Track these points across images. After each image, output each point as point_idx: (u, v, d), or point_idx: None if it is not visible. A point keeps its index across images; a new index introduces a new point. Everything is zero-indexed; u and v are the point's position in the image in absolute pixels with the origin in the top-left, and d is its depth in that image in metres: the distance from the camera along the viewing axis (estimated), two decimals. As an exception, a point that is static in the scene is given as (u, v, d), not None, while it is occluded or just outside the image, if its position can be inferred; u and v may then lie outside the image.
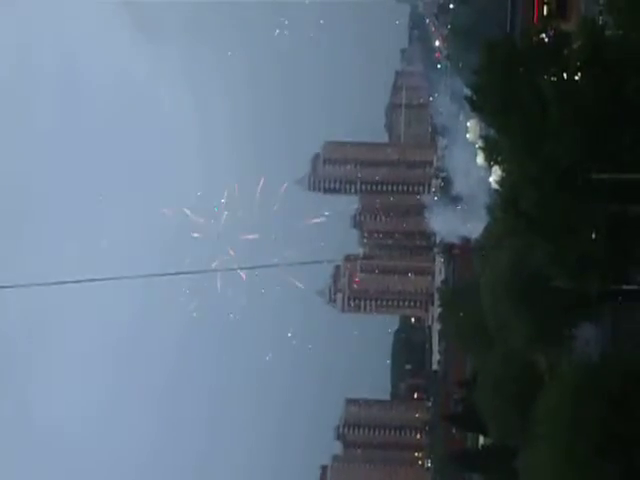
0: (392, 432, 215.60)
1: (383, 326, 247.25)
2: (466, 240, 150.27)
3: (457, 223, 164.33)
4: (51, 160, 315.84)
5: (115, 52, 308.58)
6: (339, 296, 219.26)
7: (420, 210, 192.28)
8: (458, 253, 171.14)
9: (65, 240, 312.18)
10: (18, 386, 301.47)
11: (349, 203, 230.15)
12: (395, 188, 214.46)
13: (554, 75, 50.25)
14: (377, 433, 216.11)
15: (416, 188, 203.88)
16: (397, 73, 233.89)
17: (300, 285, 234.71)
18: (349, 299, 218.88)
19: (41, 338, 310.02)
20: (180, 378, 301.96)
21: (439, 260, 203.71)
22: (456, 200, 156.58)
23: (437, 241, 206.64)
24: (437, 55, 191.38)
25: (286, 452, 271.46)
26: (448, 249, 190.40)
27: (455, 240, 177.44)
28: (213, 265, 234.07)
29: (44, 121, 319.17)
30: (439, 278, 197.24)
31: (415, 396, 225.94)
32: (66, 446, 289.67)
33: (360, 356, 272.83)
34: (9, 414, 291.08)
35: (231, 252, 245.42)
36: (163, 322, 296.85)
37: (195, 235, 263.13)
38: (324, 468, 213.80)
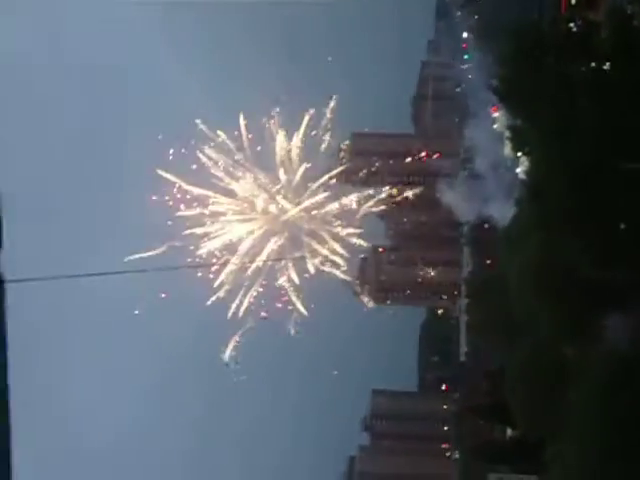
0: (419, 423, 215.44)
1: (410, 318, 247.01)
2: (492, 229, 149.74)
3: (483, 213, 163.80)
4: (82, 157, 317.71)
5: (147, 51, 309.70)
6: (366, 288, 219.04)
7: (447, 201, 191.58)
8: (484, 242, 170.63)
9: (96, 228, 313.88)
10: (51, 377, 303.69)
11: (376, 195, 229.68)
12: (422, 180, 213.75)
13: (582, 64, 49.94)
14: (404, 424, 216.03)
15: (443, 179, 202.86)
16: (423, 64, 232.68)
17: (326, 276, 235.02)
18: (376, 291, 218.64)
19: (76, 330, 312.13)
20: (205, 370, 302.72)
21: (466, 251, 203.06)
22: (483, 191, 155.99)
23: (464, 232, 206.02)
24: (464, 46, 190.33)
25: (313, 443, 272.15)
26: (475, 240, 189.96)
27: (481, 229, 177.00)
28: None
29: (72, 117, 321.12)
30: (466, 269, 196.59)
31: (442, 388, 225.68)
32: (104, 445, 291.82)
33: (387, 347, 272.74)
34: (42, 403, 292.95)
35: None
36: (194, 311, 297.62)
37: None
38: (352, 459, 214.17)
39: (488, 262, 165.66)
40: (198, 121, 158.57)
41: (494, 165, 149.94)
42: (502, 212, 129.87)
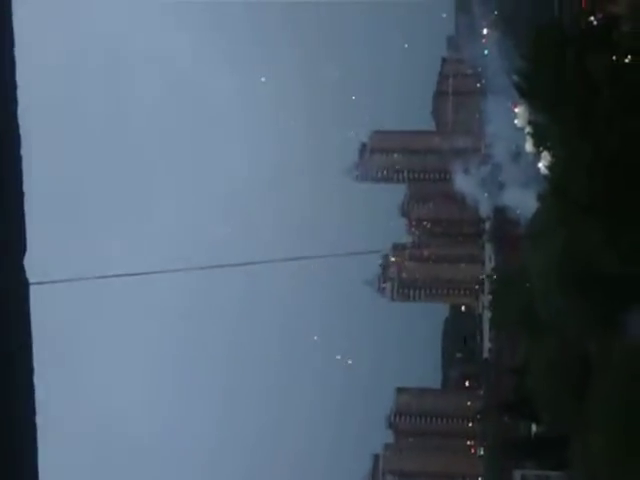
0: (444, 420, 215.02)
1: (433, 315, 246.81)
2: (515, 227, 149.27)
3: (506, 209, 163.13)
4: (100, 152, 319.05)
5: (160, 41, 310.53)
6: (388, 285, 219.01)
7: (468, 197, 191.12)
8: (506, 238, 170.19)
9: (114, 230, 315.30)
10: (76, 378, 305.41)
11: (397, 192, 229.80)
12: (443, 176, 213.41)
13: (604, 59, 49.61)
14: (428, 421, 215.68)
15: (464, 175, 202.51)
16: (443, 60, 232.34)
17: (348, 275, 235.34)
18: (398, 288, 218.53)
19: (99, 329, 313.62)
20: (227, 370, 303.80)
21: (488, 247, 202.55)
22: (504, 186, 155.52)
23: (486, 228, 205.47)
24: (484, 42, 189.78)
25: (338, 441, 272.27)
26: (498, 236, 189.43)
27: (504, 227, 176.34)
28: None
29: (94, 111, 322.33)
30: (489, 266, 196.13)
31: (466, 384, 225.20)
32: (130, 436, 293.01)
33: (410, 345, 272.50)
34: (67, 401, 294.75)
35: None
36: (216, 309, 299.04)
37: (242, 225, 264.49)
38: (376, 457, 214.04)
39: (510, 258, 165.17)
40: None
41: (516, 160, 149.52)
42: (524, 207, 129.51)
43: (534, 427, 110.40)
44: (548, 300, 70.60)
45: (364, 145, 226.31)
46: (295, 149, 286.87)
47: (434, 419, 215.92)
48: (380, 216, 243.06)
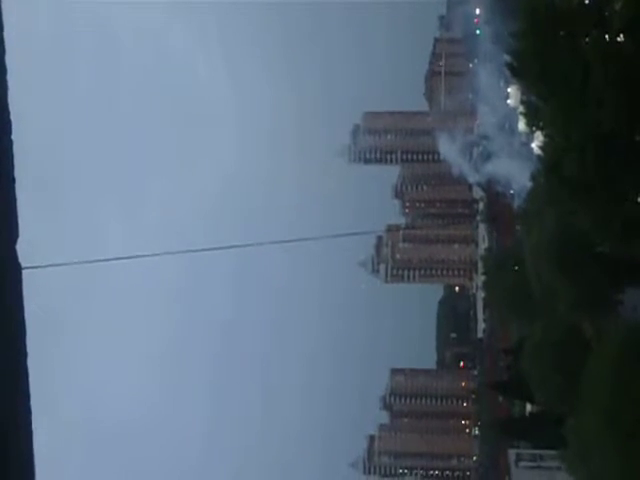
0: (438, 401, 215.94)
1: (427, 295, 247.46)
2: (509, 207, 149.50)
3: (499, 190, 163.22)
4: (93, 134, 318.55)
5: (154, 26, 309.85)
6: (382, 267, 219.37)
7: (462, 178, 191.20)
8: (501, 220, 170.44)
9: (107, 214, 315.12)
10: (69, 359, 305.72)
11: (390, 173, 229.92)
12: (436, 157, 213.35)
13: (596, 37, 49.45)
14: (423, 402, 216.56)
15: (458, 156, 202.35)
16: (436, 40, 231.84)
17: (342, 257, 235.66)
18: (392, 269, 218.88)
19: (91, 313, 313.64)
20: (226, 351, 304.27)
21: (482, 228, 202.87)
22: (498, 166, 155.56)
23: (480, 209, 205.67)
24: (476, 21, 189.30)
25: (333, 423, 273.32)
26: (491, 216, 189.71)
27: (498, 207, 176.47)
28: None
29: (86, 94, 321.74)
30: (482, 246, 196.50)
31: (461, 364, 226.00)
32: (122, 419, 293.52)
33: (405, 326, 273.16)
34: (61, 386, 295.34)
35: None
36: (209, 293, 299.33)
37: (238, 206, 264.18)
38: (371, 438, 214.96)
39: (504, 238, 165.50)
40: None
41: (509, 140, 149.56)
42: (517, 187, 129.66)
43: (528, 407, 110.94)
44: (542, 280, 70.82)
45: (357, 126, 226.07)
46: (288, 131, 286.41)
47: (429, 399, 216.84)
48: (374, 197, 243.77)
